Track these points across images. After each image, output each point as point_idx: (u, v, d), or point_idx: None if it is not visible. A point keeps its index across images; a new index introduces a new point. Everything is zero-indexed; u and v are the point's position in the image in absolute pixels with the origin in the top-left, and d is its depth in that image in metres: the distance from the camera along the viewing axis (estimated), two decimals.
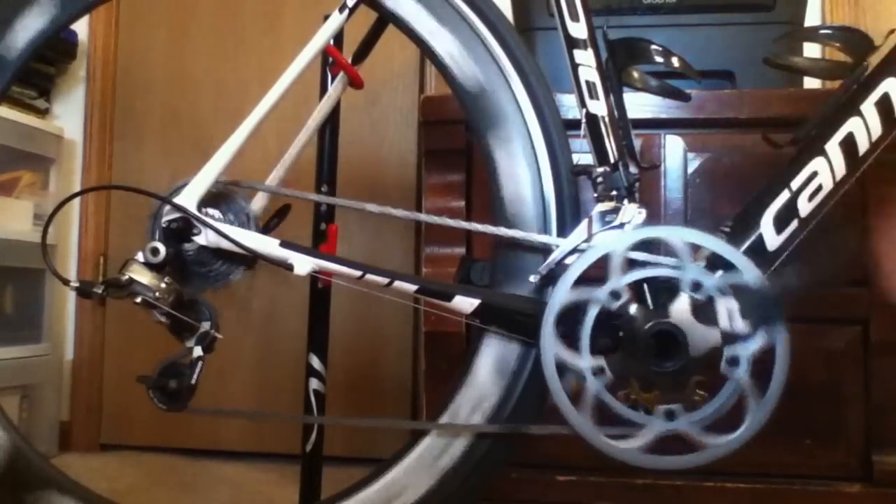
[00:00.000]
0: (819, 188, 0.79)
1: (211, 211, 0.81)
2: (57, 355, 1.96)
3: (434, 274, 1.16)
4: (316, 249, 0.85)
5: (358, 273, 0.78)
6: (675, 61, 0.84)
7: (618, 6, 1.29)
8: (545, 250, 0.81)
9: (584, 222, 0.79)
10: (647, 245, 0.77)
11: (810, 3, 1.34)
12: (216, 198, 0.82)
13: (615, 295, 0.75)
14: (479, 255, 1.13)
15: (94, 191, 2.09)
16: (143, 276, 0.77)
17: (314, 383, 1.28)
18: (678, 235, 0.75)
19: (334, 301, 1.32)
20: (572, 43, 0.81)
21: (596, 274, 0.76)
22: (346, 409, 1.85)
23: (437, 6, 0.85)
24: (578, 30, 0.80)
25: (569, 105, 1.02)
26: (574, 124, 0.82)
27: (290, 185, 0.91)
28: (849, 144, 0.79)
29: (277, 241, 0.79)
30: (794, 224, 0.79)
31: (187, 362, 0.78)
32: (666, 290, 0.77)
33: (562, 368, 0.75)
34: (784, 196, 0.79)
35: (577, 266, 0.76)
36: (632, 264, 0.76)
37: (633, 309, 0.76)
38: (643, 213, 0.79)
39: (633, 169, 0.81)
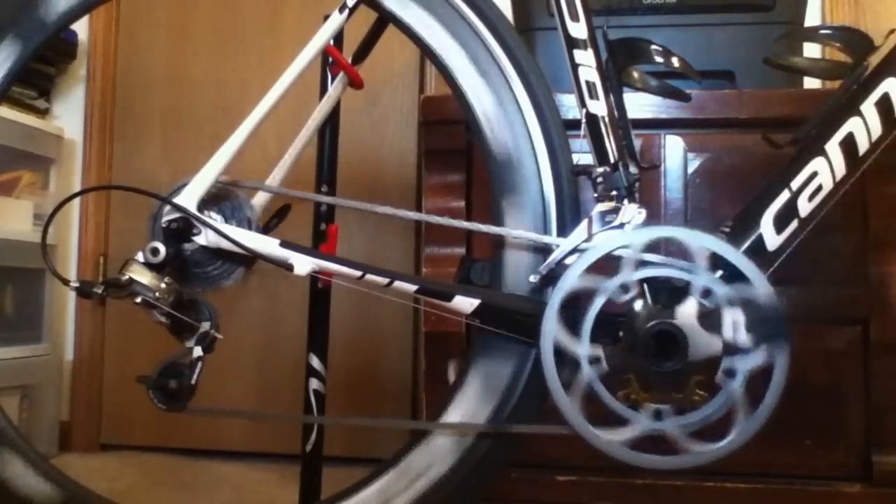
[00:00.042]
0: (819, 188, 0.79)
1: (211, 211, 0.81)
2: (57, 355, 1.96)
3: (434, 274, 1.16)
4: (316, 249, 0.85)
5: (358, 273, 0.78)
6: (675, 61, 0.84)
7: (618, 6, 1.29)
8: (545, 250, 0.81)
9: (584, 222, 0.79)
10: (649, 244, 0.77)
11: (810, 3, 1.35)
12: (216, 198, 0.82)
13: (624, 288, 0.75)
14: (479, 255, 1.12)
15: (94, 191, 2.09)
16: (143, 276, 0.77)
17: (314, 383, 1.28)
18: (697, 240, 0.75)
19: (334, 301, 1.32)
20: (572, 43, 0.81)
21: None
22: (346, 409, 1.85)
23: (437, 6, 0.85)
24: (578, 30, 0.80)
25: (569, 105, 1.02)
26: (574, 124, 0.82)
27: (290, 185, 0.91)
28: (849, 144, 0.79)
29: (277, 241, 0.79)
30: (794, 224, 0.79)
31: (187, 362, 0.78)
32: (674, 291, 0.77)
33: (559, 355, 0.75)
34: (784, 196, 0.79)
35: (578, 266, 0.76)
36: (643, 262, 0.76)
37: (638, 305, 0.76)
38: (643, 213, 0.79)
39: (633, 169, 0.81)
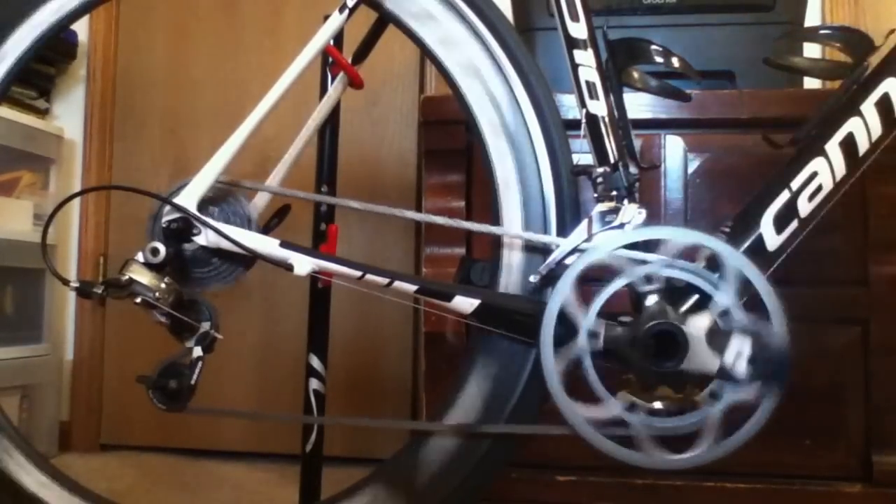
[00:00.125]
0: (819, 188, 0.79)
1: (211, 211, 0.81)
2: (57, 355, 1.96)
3: (434, 274, 1.17)
4: (316, 250, 0.85)
5: (358, 273, 0.78)
6: (675, 61, 0.84)
7: (618, 6, 1.29)
8: (545, 250, 0.81)
9: (584, 222, 0.79)
10: (646, 244, 0.77)
11: (810, 3, 1.35)
12: (216, 198, 0.82)
13: (648, 279, 0.75)
14: (479, 255, 1.13)
15: (94, 191, 2.09)
16: (143, 277, 0.77)
17: (314, 383, 1.28)
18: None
19: (334, 301, 1.32)
20: (572, 43, 0.81)
21: (595, 274, 0.76)
22: (346, 409, 1.85)
23: (437, 6, 0.84)
24: (578, 30, 0.80)
25: (569, 105, 1.02)
26: (574, 124, 0.82)
27: (290, 186, 0.91)
28: (849, 144, 0.79)
29: (277, 242, 0.79)
30: (794, 224, 0.78)
31: (187, 362, 0.78)
32: (694, 299, 0.77)
33: (560, 320, 0.74)
34: (784, 196, 0.79)
35: (577, 266, 0.76)
36: (673, 262, 0.75)
37: (652, 299, 0.76)
38: (643, 214, 0.79)
39: (633, 169, 0.81)
